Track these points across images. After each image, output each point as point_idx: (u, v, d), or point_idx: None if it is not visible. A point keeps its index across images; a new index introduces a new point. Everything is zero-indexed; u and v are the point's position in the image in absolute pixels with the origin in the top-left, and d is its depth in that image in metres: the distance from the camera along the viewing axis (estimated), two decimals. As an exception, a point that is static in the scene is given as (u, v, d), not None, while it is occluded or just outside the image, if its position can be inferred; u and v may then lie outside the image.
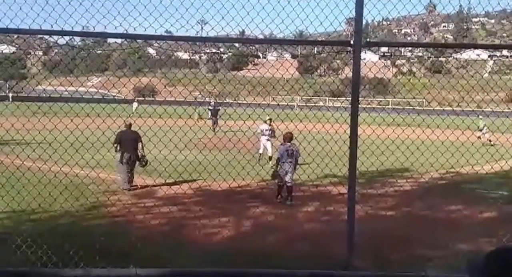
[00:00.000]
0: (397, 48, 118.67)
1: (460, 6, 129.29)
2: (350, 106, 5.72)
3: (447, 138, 8.97)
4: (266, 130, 17.92)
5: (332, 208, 10.49)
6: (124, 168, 13.22)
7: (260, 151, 17.99)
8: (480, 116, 26.36)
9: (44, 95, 7.84)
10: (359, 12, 5.48)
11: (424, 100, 54.67)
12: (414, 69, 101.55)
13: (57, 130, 7.70)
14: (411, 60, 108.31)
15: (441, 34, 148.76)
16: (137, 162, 13.53)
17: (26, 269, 6.22)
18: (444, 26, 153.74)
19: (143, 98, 48.73)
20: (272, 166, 14.17)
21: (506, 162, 12.14)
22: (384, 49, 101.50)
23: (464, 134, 9.42)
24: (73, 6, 5.86)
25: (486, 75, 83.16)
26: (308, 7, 6.63)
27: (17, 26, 5.58)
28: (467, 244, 8.06)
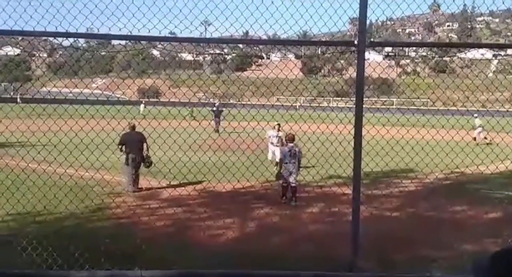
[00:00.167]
0: (401, 48, 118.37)
1: (465, 5, 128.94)
2: (354, 106, 5.71)
3: (452, 138, 8.95)
4: (274, 136, 16.61)
5: (337, 209, 10.47)
6: (129, 170, 13.22)
7: (269, 158, 16.71)
8: (475, 115, 26.48)
9: (49, 97, 7.85)
10: (363, 12, 5.47)
11: (428, 100, 54.64)
12: (418, 69, 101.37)
13: (62, 132, 7.71)
14: (416, 60, 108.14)
15: (445, 33, 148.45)
16: (142, 163, 13.52)
17: (32, 271, 6.24)
18: (448, 26, 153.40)
19: (147, 99, 48.83)
20: (276, 168, 14.12)
21: (511, 162, 12.11)
22: (388, 49, 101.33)
23: (469, 134, 9.41)
24: (77, 8, 5.88)
25: (490, 74, 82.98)
26: (312, 7, 6.63)
27: (22, 28, 5.60)
28: (472, 244, 8.03)
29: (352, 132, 5.73)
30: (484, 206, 11.27)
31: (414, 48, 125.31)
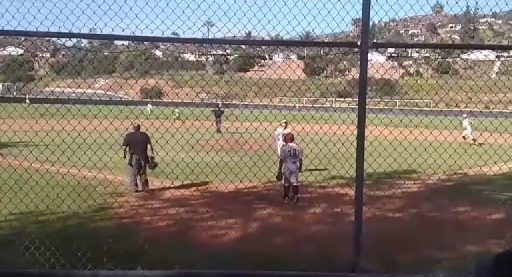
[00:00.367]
0: (404, 49, 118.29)
1: (468, 6, 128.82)
2: (357, 107, 5.71)
3: (455, 139, 8.95)
4: (282, 134, 15.77)
5: (339, 210, 10.46)
6: (133, 171, 13.19)
7: (279, 154, 15.49)
8: (465, 115, 26.55)
9: (52, 97, 7.87)
10: (366, 13, 5.47)
11: (431, 101, 54.52)
12: (421, 70, 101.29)
13: (65, 131, 7.72)
14: (418, 61, 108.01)
15: (448, 34, 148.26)
16: (147, 164, 13.43)
17: (34, 271, 6.25)
18: (451, 27, 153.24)
19: (154, 100, 48.91)
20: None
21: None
22: (391, 50, 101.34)
23: (472, 135, 9.38)
24: (81, 9, 5.89)
25: (493, 76, 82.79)
26: (315, 8, 6.63)
27: (25, 29, 5.62)
28: (475, 245, 8.02)
29: (355, 133, 5.73)
30: (487, 207, 11.24)
31: (417, 49, 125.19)
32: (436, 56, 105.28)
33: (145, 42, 7.14)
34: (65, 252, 6.46)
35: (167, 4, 6.40)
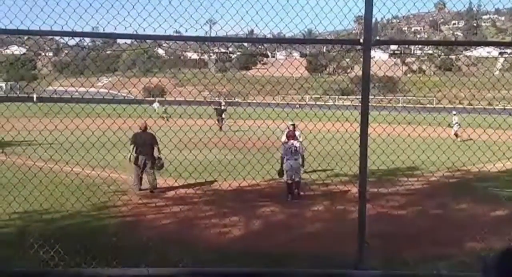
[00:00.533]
0: (407, 46, 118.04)
1: (470, 3, 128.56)
2: (360, 104, 5.70)
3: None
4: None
5: (343, 207, 10.46)
6: (138, 170, 13.08)
7: None
8: (453, 112, 26.60)
9: (55, 96, 7.89)
10: (368, 10, 5.46)
11: (434, 98, 54.45)
12: (424, 67, 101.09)
13: (68, 130, 7.74)
14: (421, 58, 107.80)
15: (451, 31, 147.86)
16: (153, 165, 13.18)
17: (38, 269, 6.27)
18: (454, 24, 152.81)
19: (153, 98, 48.90)
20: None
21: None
22: (394, 47, 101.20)
23: (475, 132, 9.37)
24: (83, 7, 5.90)
25: (497, 72, 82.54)
26: (317, 5, 6.62)
27: (28, 27, 5.63)
28: (479, 242, 8.00)
29: (358, 130, 5.73)
30: (491, 204, 11.22)
31: (419, 46, 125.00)
32: (439, 53, 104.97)
33: (147, 40, 7.16)
34: (69, 251, 6.48)
35: (170, 2, 6.42)
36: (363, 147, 5.67)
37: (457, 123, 27.04)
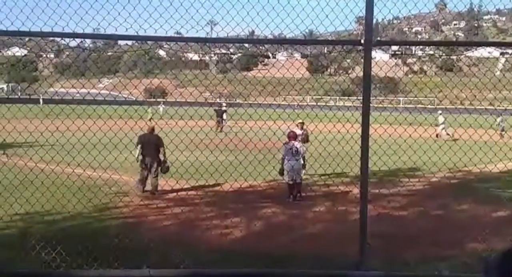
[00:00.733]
0: (408, 46, 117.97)
1: (471, 3, 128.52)
2: (361, 105, 5.71)
3: (460, 136, 8.92)
4: (298, 135, 14.66)
5: (344, 208, 10.45)
6: (143, 172, 12.95)
7: None
8: (440, 111, 26.62)
9: (56, 97, 7.90)
10: (369, 10, 5.46)
11: (435, 98, 54.39)
12: (425, 68, 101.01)
13: (70, 132, 7.75)
14: (422, 59, 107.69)
15: (452, 32, 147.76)
16: (158, 167, 13.07)
17: (40, 271, 6.28)
18: (455, 24, 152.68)
19: (154, 100, 48.90)
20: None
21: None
22: (395, 47, 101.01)
23: (477, 133, 9.37)
24: (84, 9, 5.91)
25: (498, 73, 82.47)
26: (318, 6, 6.62)
27: (29, 29, 5.63)
28: (481, 243, 7.99)
29: (359, 131, 5.73)
30: (493, 205, 11.22)
31: (420, 46, 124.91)
32: (440, 54, 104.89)
33: (148, 42, 7.17)
34: (71, 252, 6.48)
35: (171, 4, 6.42)
36: (364, 148, 5.67)
37: (443, 123, 27.17)
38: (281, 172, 12.42)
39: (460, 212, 11.00)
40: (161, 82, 52.86)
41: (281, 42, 8.16)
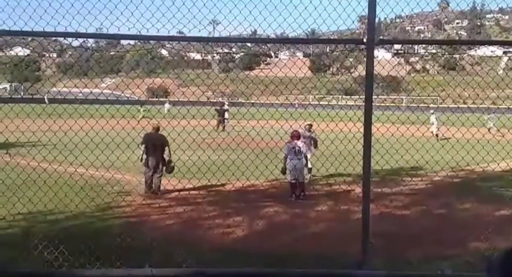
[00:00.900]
0: (410, 45, 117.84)
1: (474, 2, 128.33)
2: (363, 104, 5.70)
3: (463, 135, 8.91)
4: (306, 138, 14.40)
5: (347, 207, 10.45)
6: (148, 172, 12.86)
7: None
8: (432, 111, 26.58)
9: (59, 96, 7.92)
10: (372, 9, 5.46)
11: (438, 97, 54.29)
12: (428, 67, 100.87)
13: (72, 131, 7.76)
14: (425, 58, 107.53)
15: (455, 31, 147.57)
16: (164, 168, 13.01)
17: (43, 270, 6.29)
18: (457, 23, 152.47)
19: (156, 99, 48.95)
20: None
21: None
22: (397, 46, 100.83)
23: (479, 132, 9.35)
24: (87, 8, 5.91)
25: (501, 71, 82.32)
26: (321, 5, 6.63)
27: (32, 29, 5.64)
28: (483, 242, 7.98)
29: (362, 130, 5.72)
30: (495, 204, 11.20)
31: (423, 45, 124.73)
32: (443, 52, 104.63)
33: (151, 41, 7.18)
34: (74, 251, 6.49)
35: (173, 3, 6.42)
36: (367, 147, 5.66)
37: (434, 123, 27.11)
38: (284, 171, 12.42)
39: (462, 211, 10.98)
40: (163, 81, 52.83)
41: (283, 41, 8.14)
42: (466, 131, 9.11)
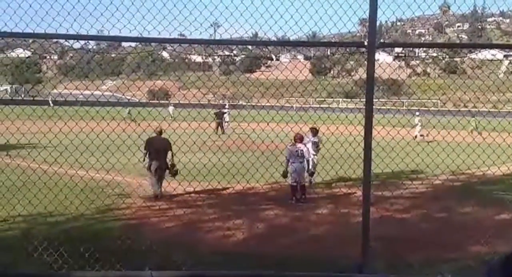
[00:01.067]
0: (411, 48, 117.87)
1: (475, 6, 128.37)
2: (364, 107, 5.69)
3: (463, 139, 8.91)
4: (311, 142, 14.21)
5: (347, 210, 10.44)
6: (153, 176, 12.64)
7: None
8: (417, 113, 26.64)
9: (60, 98, 7.92)
10: (373, 12, 5.45)
11: (439, 101, 54.33)
12: (428, 70, 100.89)
13: (73, 133, 7.76)
14: (426, 61, 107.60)
15: (455, 34, 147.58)
16: (167, 171, 12.74)
17: (43, 272, 6.28)
18: (458, 26, 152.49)
19: (157, 101, 48.97)
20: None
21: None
22: (398, 49, 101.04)
23: (480, 135, 9.34)
24: (88, 10, 5.92)
25: (501, 75, 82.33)
26: (322, 8, 6.62)
27: (33, 30, 5.65)
28: (483, 246, 7.98)
29: (362, 133, 5.72)
30: (496, 208, 11.18)
31: (424, 48, 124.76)
32: (444, 56, 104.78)
33: (152, 43, 7.19)
34: (73, 254, 6.49)
35: (174, 5, 6.42)
36: (367, 150, 5.65)
37: (418, 124, 27.24)
38: (285, 175, 12.41)
39: (463, 215, 10.97)
40: (164, 83, 52.91)
41: (284, 44, 8.16)
42: (466, 134, 9.11)
